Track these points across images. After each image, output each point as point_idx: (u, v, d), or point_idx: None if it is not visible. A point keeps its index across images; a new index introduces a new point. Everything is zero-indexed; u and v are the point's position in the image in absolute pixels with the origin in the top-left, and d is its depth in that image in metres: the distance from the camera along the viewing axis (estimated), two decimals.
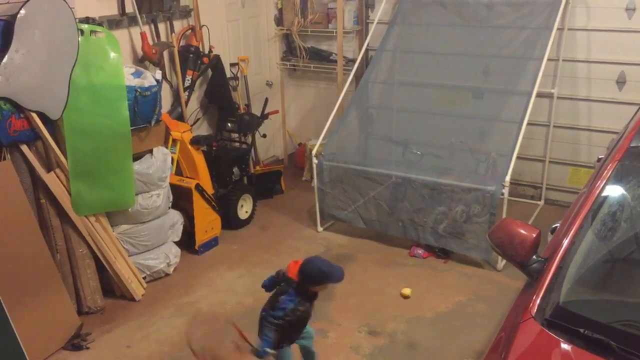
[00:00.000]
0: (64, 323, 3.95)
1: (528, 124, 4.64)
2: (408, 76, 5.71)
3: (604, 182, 2.77)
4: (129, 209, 4.40)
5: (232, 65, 6.10)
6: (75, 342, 3.91)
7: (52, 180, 4.00)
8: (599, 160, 4.00)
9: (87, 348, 3.91)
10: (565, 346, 2.08)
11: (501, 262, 4.69)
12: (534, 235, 2.49)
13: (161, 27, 5.24)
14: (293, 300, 3.03)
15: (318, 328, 4.04)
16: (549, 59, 4.88)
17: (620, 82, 5.29)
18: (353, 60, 6.07)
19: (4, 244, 3.62)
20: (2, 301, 3.54)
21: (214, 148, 5.63)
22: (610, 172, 2.84)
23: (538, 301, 2.26)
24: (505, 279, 4.56)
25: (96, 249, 4.23)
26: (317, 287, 3.08)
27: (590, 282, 2.49)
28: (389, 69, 5.78)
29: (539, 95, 4.88)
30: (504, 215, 4.37)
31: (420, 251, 4.97)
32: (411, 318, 4.14)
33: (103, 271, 4.32)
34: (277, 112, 6.51)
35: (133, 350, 3.90)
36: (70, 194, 4.08)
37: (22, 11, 3.68)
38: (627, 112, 4.69)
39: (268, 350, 2.96)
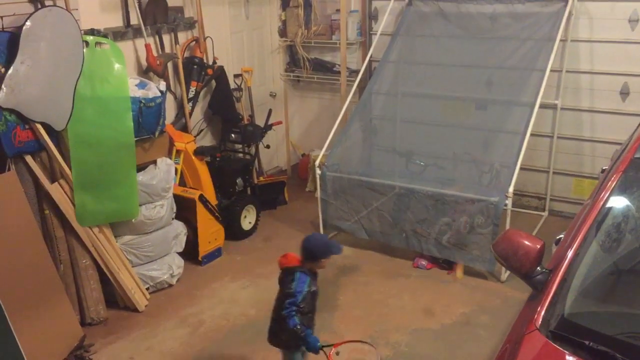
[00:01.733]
0: (67, 334, 3.94)
1: (531, 135, 4.64)
2: (411, 87, 5.72)
3: (608, 193, 2.77)
4: (133, 220, 4.40)
5: (235, 76, 6.13)
6: (78, 354, 3.90)
7: (56, 191, 4.01)
8: (603, 171, 3.99)
9: (90, 359, 3.90)
10: (570, 358, 2.06)
11: (505, 274, 4.67)
12: (538, 246, 2.48)
13: (165, 38, 5.28)
14: (305, 281, 3.10)
15: (322, 339, 4.00)
16: (552, 70, 4.89)
17: (624, 93, 5.29)
18: (356, 72, 6.09)
19: (7, 255, 3.63)
20: (5, 311, 3.53)
21: (217, 159, 5.64)
22: (614, 183, 2.83)
23: (542, 313, 2.25)
24: (509, 290, 4.54)
25: (100, 260, 4.23)
26: (322, 261, 3.18)
27: (595, 294, 2.48)
28: (392, 80, 5.80)
29: (542, 106, 4.88)
30: (507, 227, 4.36)
31: (423, 262, 4.96)
32: (415, 330, 4.12)
33: (106, 282, 4.32)
34: (280, 123, 6.53)
35: None
36: (74, 205, 4.08)
37: (28, 23, 3.71)
38: (631, 123, 4.70)
39: (314, 337, 3.06)
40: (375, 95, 5.75)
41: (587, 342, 2.05)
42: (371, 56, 5.92)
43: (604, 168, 4.12)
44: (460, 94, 5.39)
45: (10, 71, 3.64)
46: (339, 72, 6.42)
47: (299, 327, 3.02)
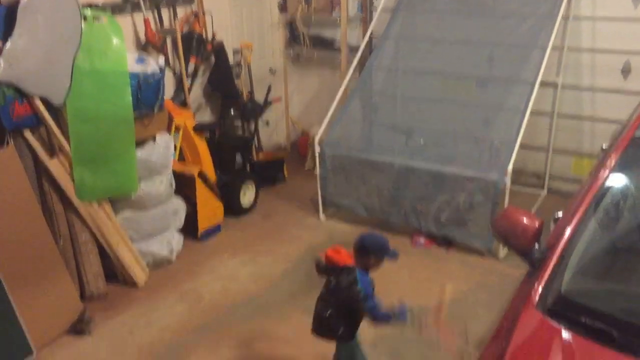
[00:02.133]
0: (67, 308, 3.97)
1: (531, 113, 4.63)
2: (412, 64, 5.68)
3: (608, 171, 2.77)
4: (132, 196, 4.40)
5: (235, 52, 6.08)
6: (78, 327, 3.94)
7: (55, 166, 4.00)
8: (603, 149, 3.99)
9: (90, 333, 3.93)
10: (566, 335, 2.08)
11: (503, 251, 4.70)
12: (537, 224, 2.48)
13: (164, 13, 5.23)
14: (368, 281, 2.97)
15: None
16: (553, 48, 4.85)
17: (625, 71, 5.26)
18: (357, 48, 6.04)
19: (7, 230, 3.64)
20: (5, 286, 3.56)
21: (216, 135, 5.63)
22: (614, 161, 2.83)
23: (540, 290, 2.27)
24: (507, 268, 4.56)
25: (99, 235, 4.24)
26: (378, 260, 3.02)
27: (592, 272, 2.49)
28: (393, 57, 5.75)
29: (542, 84, 4.85)
30: (506, 205, 4.37)
31: (422, 240, 4.97)
32: (413, 306, 4.14)
33: (106, 257, 4.33)
34: (280, 99, 6.51)
35: (135, 336, 3.92)
36: (73, 180, 4.08)
37: None
38: (632, 101, 4.66)
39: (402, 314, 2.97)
40: (376, 72, 5.72)
41: (583, 319, 2.07)
42: (372, 32, 5.87)
43: (604, 147, 4.11)
44: (461, 71, 5.35)
45: (7, 45, 3.61)
46: (339, 49, 6.38)
47: (391, 318, 2.95)
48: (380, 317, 2.94)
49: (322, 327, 3.08)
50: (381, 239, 3.07)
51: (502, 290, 4.24)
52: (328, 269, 3.06)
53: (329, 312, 3.01)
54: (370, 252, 2.98)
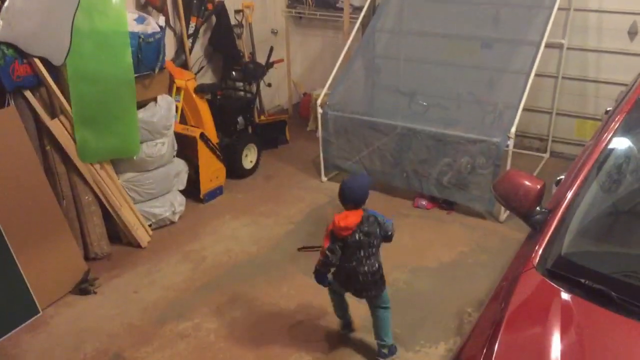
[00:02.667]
0: (72, 268, 4.01)
1: (536, 75, 4.58)
2: (415, 25, 5.61)
3: (611, 134, 2.75)
4: (134, 157, 4.41)
5: (236, 12, 6.00)
6: (83, 287, 3.99)
7: (56, 127, 3.99)
8: (607, 112, 3.96)
9: (95, 293, 3.98)
10: (565, 296, 2.10)
11: (504, 214, 4.71)
12: (539, 186, 2.48)
13: None
14: (376, 213, 3.15)
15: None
16: (559, 8, 4.78)
17: (632, 32, 5.19)
18: (360, 8, 5.95)
19: (10, 190, 3.65)
20: (10, 246, 3.59)
21: (218, 97, 5.59)
22: (617, 124, 2.82)
23: (540, 251, 2.28)
24: (507, 230, 4.59)
25: (102, 196, 4.26)
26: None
27: (592, 234, 2.50)
28: (396, 18, 5.67)
29: (548, 45, 4.79)
30: (508, 167, 4.36)
31: (424, 202, 4.99)
32: (414, 268, 4.19)
33: (109, 218, 4.36)
34: (282, 61, 6.44)
35: (140, 295, 3.97)
36: (75, 141, 4.08)
37: None
38: (638, 63, 4.63)
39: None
40: (379, 33, 5.64)
41: (583, 280, 2.09)
42: None
43: (608, 109, 4.08)
44: (465, 32, 5.28)
45: (6, 4, 3.56)
46: (342, 9, 6.28)
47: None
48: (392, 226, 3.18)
49: (367, 286, 3.17)
50: (360, 190, 3.12)
51: (502, 252, 4.28)
52: (343, 236, 3.07)
53: (366, 268, 3.11)
54: (348, 202, 3.10)
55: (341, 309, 3.47)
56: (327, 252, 3.10)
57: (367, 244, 3.08)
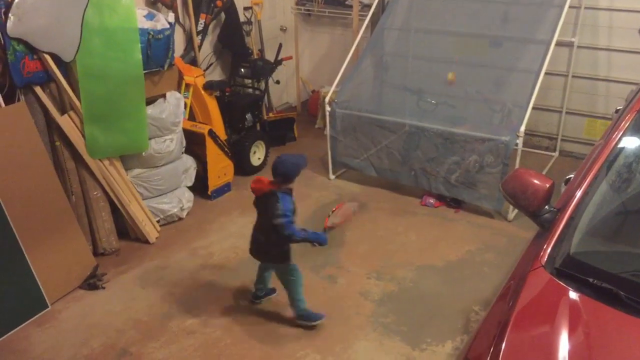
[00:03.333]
0: (80, 263, 4.04)
1: (546, 73, 4.56)
2: (425, 23, 5.59)
3: (621, 133, 2.74)
4: (143, 153, 4.42)
5: (245, 9, 6.01)
6: (91, 282, 4.01)
7: (66, 123, 4.01)
8: (616, 111, 3.94)
9: (103, 288, 4.00)
10: (573, 295, 2.09)
11: (512, 213, 4.70)
12: (547, 185, 2.47)
13: None
14: (289, 200, 3.35)
15: (328, 274, 4.10)
16: (570, 6, 4.76)
17: None
18: (369, 6, 5.94)
19: (20, 185, 3.67)
20: (20, 241, 3.62)
21: (227, 94, 5.60)
22: (628, 123, 2.80)
23: (549, 250, 2.27)
24: (515, 229, 4.58)
25: (110, 192, 4.28)
26: (294, 180, 3.38)
27: (601, 233, 2.49)
28: (406, 15, 5.66)
29: (558, 44, 4.77)
30: (517, 166, 4.34)
31: (431, 200, 4.98)
32: (421, 266, 4.18)
33: (118, 214, 4.38)
34: (290, 58, 6.44)
35: (147, 291, 3.99)
36: (84, 137, 4.09)
37: None
38: None
39: (317, 234, 3.40)
40: (388, 31, 5.63)
41: (591, 280, 2.08)
42: None
43: (618, 108, 4.06)
44: (474, 31, 5.26)
45: (17, 0, 3.58)
46: (351, 6, 6.28)
47: (303, 235, 3.33)
48: (295, 234, 3.31)
49: (259, 252, 3.54)
50: (291, 159, 3.37)
51: (510, 251, 4.27)
52: (256, 199, 3.42)
53: (263, 237, 3.42)
54: (289, 175, 3.34)
55: (258, 277, 3.76)
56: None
57: (263, 216, 3.40)
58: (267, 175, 5.28)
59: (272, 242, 3.39)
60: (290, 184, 3.37)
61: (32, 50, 3.75)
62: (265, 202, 3.35)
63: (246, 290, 3.94)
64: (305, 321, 3.59)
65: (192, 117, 5.18)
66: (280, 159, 3.34)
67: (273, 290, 3.86)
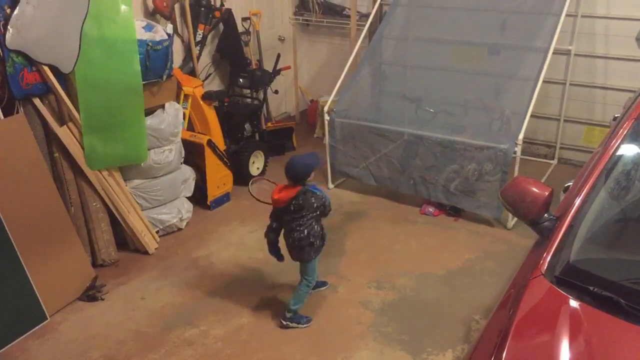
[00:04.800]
0: (79, 275, 4.03)
1: (544, 81, 4.57)
2: (423, 32, 5.61)
3: (619, 140, 2.74)
4: (142, 164, 4.42)
5: (244, 19, 6.03)
6: (91, 294, 4.00)
7: (65, 134, 4.01)
8: (614, 119, 3.95)
9: (102, 299, 3.99)
10: (574, 303, 2.09)
11: (511, 221, 4.70)
12: (546, 193, 2.47)
13: None
14: (318, 189, 3.53)
15: (328, 283, 4.09)
16: (567, 15, 4.77)
17: None
18: (367, 15, 5.97)
19: (18, 197, 3.67)
20: (18, 253, 3.61)
21: (225, 104, 5.61)
22: (626, 130, 2.80)
23: (548, 259, 2.27)
24: (515, 237, 4.57)
25: (109, 203, 4.27)
26: (310, 177, 3.53)
27: (601, 241, 2.49)
28: (404, 24, 5.68)
29: (555, 52, 4.79)
30: (516, 174, 4.35)
31: (431, 209, 4.98)
32: (421, 274, 4.18)
33: (117, 225, 4.37)
34: (289, 67, 6.46)
35: (147, 302, 3.97)
36: (83, 148, 4.10)
37: None
38: None
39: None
40: (386, 40, 5.65)
41: (591, 288, 2.07)
42: None
43: (616, 116, 4.07)
44: (472, 39, 5.28)
45: (15, 12, 3.59)
46: (349, 16, 6.30)
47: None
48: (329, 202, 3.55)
49: (301, 251, 3.55)
50: (302, 160, 3.55)
51: (510, 259, 4.26)
52: (281, 209, 3.51)
53: (306, 231, 3.49)
54: (302, 176, 3.48)
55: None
56: (270, 218, 3.63)
57: (298, 215, 3.46)
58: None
59: (305, 236, 3.49)
60: (308, 180, 3.51)
61: (31, 62, 3.76)
62: (294, 202, 3.44)
63: (246, 301, 3.94)
64: (294, 322, 3.68)
65: (191, 127, 5.19)
66: (291, 162, 3.49)
67: (324, 283, 4.02)
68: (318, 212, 3.49)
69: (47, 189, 3.87)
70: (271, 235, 3.65)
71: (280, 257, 3.70)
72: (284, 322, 3.67)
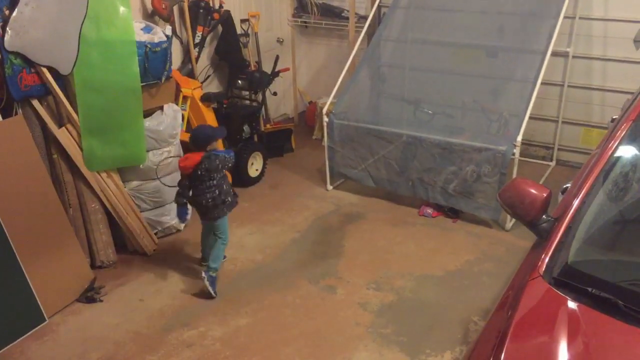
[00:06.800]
0: (78, 276, 4.02)
1: (542, 83, 4.58)
2: (421, 34, 5.62)
3: (617, 142, 2.75)
4: (140, 166, 4.42)
5: (242, 21, 6.03)
6: (89, 295, 3.99)
7: (63, 135, 4.01)
8: (612, 120, 3.96)
9: (101, 301, 3.99)
10: (572, 304, 2.09)
11: (510, 222, 4.70)
12: (545, 195, 2.48)
13: None
14: (218, 151, 3.94)
15: (327, 285, 4.10)
16: (565, 17, 4.79)
17: (637, 41, 5.19)
18: (365, 17, 5.98)
19: (17, 198, 3.67)
20: (17, 255, 3.61)
21: (224, 105, 5.61)
22: (624, 132, 2.81)
23: (546, 260, 2.27)
24: (513, 238, 4.58)
25: (108, 205, 4.27)
26: (213, 143, 3.95)
27: (599, 242, 2.50)
28: (402, 26, 5.69)
29: (553, 54, 4.80)
30: (514, 176, 4.36)
31: (429, 210, 4.98)
32: (419, 276, 4.18)
33: (115, 226, 4.37)
34: (288, 69, 6.46)
35: (146, 303, 3.97)
36: (82, 150, 4.10)
37: None
38: None
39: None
40: (384, 42, 5.66)
41: (590, 289, 2.08)
42: (380, 1, 5.80)
43: (613, 117, 4.08)
44: (471, 41, 5.29)
45: (14, 13, 3.59)
46: (347, 18, 6.31)
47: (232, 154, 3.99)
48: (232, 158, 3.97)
49: (209, 212, 3.95)
50: (205, 130, 4.05)
51: (508, 261, 4.27)
52: (188, 175, 3.87)
53: (217, 191, 3.89)
54: (202, 142, 3.89)
55: (203, 243, 4.26)
56: (177, 185, 3.99)
57: (207, 178, 3.85)
58: (263, 188, 5.26)
59: (217, 195, 3.89)
60: (210, 147, 3.90)
61: (29, 63, 3.76)
62: (201, 167, 3.80)
63: (244, 302, 3.94)
64: (211, 286, 3.94)
65: (189, 129, 5.18)
66: (193, 130, 4.04)
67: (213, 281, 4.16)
68: (224, 171, 3.91)
69: (45, 190, 3.87)
70: (181, 200, 3.98)
71: (184, 218, 4.11)
72: (207, 282, 3.93)
